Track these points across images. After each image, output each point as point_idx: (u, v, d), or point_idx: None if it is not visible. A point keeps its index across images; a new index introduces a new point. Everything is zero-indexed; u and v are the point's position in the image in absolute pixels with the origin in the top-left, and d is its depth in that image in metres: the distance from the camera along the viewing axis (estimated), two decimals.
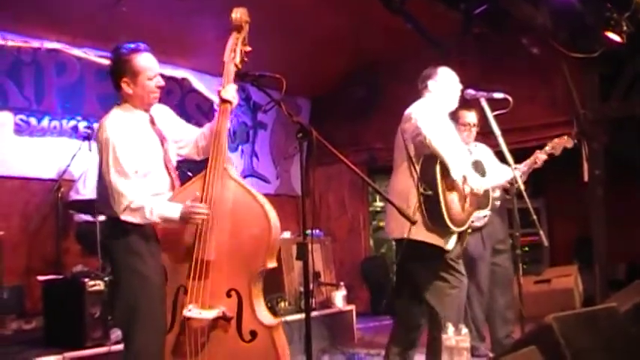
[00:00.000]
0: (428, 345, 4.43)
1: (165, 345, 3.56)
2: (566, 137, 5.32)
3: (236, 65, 3.77)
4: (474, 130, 5.51)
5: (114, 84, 3.74)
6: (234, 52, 3.76)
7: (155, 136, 3.77)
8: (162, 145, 3.78)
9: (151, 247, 3.63)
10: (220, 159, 3.67)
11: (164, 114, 3.94)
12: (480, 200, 4.39)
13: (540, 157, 5.32)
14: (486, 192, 4.45)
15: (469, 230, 4.50)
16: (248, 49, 3.81)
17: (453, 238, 4.26)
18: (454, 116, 5.24)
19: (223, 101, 3.78)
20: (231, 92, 3.78)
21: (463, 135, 5.36)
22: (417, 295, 4.38)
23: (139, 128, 3.70)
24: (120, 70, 3.69)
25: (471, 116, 5.44)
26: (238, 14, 3.77)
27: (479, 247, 5.46)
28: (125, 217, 3.52)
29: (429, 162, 4.11)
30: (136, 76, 3.65)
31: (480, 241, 5.51)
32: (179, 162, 4.01)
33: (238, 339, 3.53)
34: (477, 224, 5.23)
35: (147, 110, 3.78)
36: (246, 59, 3.81)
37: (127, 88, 3.67)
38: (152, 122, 3.79)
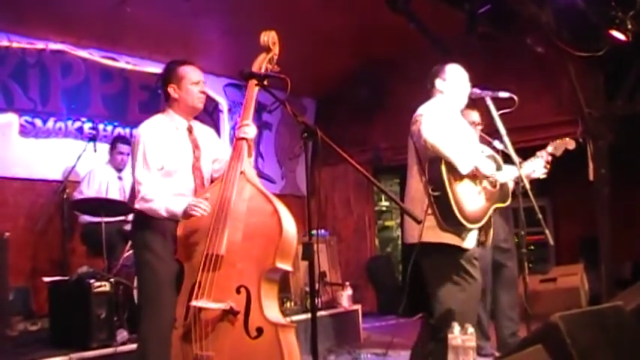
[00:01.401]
0: (416, 345, 4.44)
1: (171, 334, 3.72)
2: (567, 139, 5.17)
3: (259, 84, 3.87)
4: (478, 128, 5.49)
5: (163, 93, 4.11)
6: (260, 69, 4.02)
7: (188, 143, 4.07)
8: (194, 152, 4.07)
9: (166, 243, 3.88)
10: (237, 165, 3.84)
11: (207, 134, 4.27)
12: (499, 195, 4.34)
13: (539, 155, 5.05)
14: (504, 186, 4.39)
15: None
16: (276, 68, 4.07)
17: (472, 236, 4.22)
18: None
19: (238, 139, 3.96)
20: (242, 131, 3.94)
21: None
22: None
23: (173, 132, 4.04)
24: (167, 78, 4.08)
25: (474, 115, 5.42)
26: (266, 37, 4.08)
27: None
28: (138, 205, 3.85)
29: (434, 163, 4.09)
30: (181, 81, 4.03)
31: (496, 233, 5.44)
32: None
33: (244, 334, 3.59)
34: None
35: (189, 117, 4.12)
36: None
37: (173, 94, 4.05)
38: (190, 131, 4.12)
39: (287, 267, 3.74)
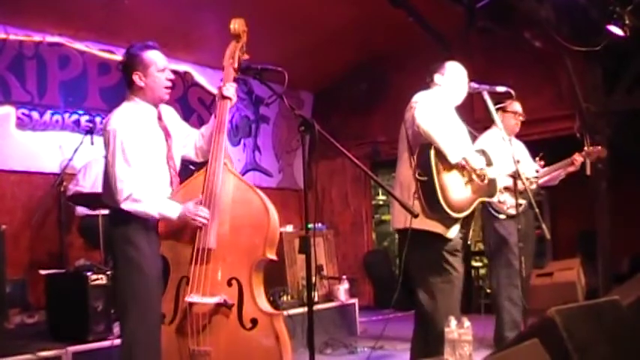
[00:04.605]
0: (413, 339, 4.44)
1: (160, 332, 3.66)
2: (600, 147, 5.74)
3: (235, 70, 3.90)
4: (520, 119, 5.63)
5: (126, 80, 3.86)
6: (233, 58, 3.93)
7: (160, 132, 3.88)
8: (167, 141, 3.89)
9: (150, 238, 3.72)
10: (220, 154, 3.78)
11: (169, 114, 4.05)
12: (486, 189, 4.34)
13: (577, 159, 5.68)
14: (492, 181, 4.39)
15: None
16: (246, 57, 3.95)
17: (456, 227, 4.22)
18: (504, 106, 5.45)
19: (223, 97, 3.91)
20: (231, 90, 3.91)
21: (512, 124, 5.57)
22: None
23: (145, 122, 3.82)
24: (131, 65, 3.83)
25: (516, 106, 5.54)
26: (236, 25, 3.95)
27: (517, 233, 5.25)
28: (125, 206, 3.62)
29: (424, 148, 4.11)
30: (147, 69, 3.80)
31: (523, 226, 5.24)
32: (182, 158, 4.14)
33: (239, 326, 3.61)
34: (512, 212, 5.24)
35: (156, 105, 3.90)
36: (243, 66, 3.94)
37: (138, 82, 3.80)
38: (159, 118, 3.91)
39: (274, 256, 3.77)
